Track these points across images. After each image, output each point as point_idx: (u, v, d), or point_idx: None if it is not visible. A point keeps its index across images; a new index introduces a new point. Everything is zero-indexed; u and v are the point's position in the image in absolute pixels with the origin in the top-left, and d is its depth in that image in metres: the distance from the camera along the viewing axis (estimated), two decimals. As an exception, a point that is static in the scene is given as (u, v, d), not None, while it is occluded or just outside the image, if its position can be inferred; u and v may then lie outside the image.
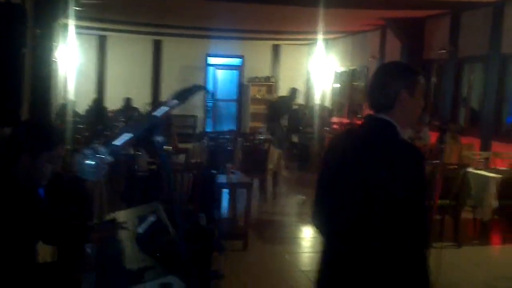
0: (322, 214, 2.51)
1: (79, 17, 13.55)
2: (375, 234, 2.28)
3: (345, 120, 16.03)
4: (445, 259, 6.86)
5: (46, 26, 10.01)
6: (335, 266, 2.43)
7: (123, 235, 2.51)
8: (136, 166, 6.53)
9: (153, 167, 6.42)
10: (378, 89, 2.45)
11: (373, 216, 2.27)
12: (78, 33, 16.65)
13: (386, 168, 2.26)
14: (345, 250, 2.38)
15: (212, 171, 6.95)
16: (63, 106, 13.76)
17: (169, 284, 1.86)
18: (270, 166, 9.67)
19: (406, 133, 8.73)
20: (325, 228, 2.51)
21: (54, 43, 11.38)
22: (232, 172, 7.19)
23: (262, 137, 10.47)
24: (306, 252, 7.15)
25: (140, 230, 2.36)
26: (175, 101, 1.88)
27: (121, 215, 3.00)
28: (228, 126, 18.67)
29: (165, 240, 2.25)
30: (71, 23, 14.21)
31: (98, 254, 2.35)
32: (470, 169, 7.77)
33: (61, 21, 14.41)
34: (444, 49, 11.69)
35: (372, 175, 2.29)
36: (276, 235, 7.66)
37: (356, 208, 2.33)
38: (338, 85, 17.86)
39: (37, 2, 9.96)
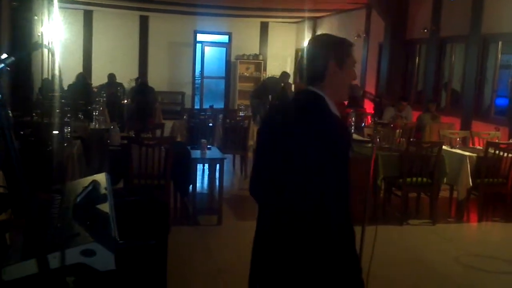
0: (257, 184, 2.53)
1: (64, -10, 13.42)
2: (297, 203, 2.31)
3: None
4: (419, 235, 6.96)
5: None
6: (266, 235, 2.46)
7: (63, 203, 2.51)
8: (108, 140, 6.51)
9: (125, 141, 6.39)
10: (308, 62, 2.46)
11: (294, 183, 2.32)
12: (63, 8, 16.49)
13: (305, 137, 2.30)
14: (272, 221, 2.40)
15: (187, 146, 6.94)
16: (46, 81, 13.66)
17: (91, 250, 1.86)
18: (251, 142, 9.67)
19: (388, 112, 8.78)
20: (260, 199, 2.53)
21: (35, 17, 11.25)
22: (208, 148, 7.19)
23: (242, 114, 10.44)
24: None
25: (78, 199, 2.36)
26: (12, 58, 1.96)
27: (70, 185, 2.99)
28: (216, 103, 18.62)
29: (96, 209, 2.25)
30: (56, -3, 14.04)
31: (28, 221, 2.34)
32: (446, 148, 7.81)
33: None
34: (426, 29, 11.67)
35: (292, 145, 2.34)
36: (252, 210, 7.67)
37: (280, 176, 2.37)
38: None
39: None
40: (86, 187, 2.46)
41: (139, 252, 2.24)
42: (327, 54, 2.41)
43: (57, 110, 8.74)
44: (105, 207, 2.31)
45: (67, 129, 6.34)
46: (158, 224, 3.21)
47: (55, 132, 6.32)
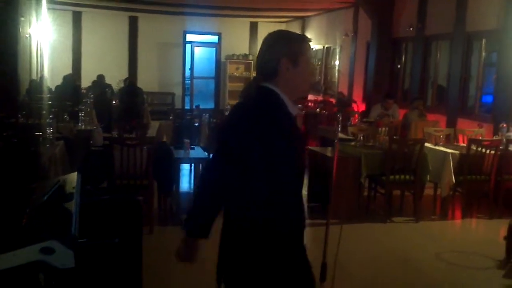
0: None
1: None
2: (242, 203, 2.34)
3: (320, 98, 16.07)
4: (402, 233, 7.01)
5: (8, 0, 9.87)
6: (223, 230, 2.50)
7: (32, 202, 2.53)
8: (91, 141, 6.53)
9: (107, 142, 6.41)
10: (261, 59, 2.46)
11: (238, 182, 2.34)
12: (52, 9, 16.50)
13: (248, 136, 2.31)
14: (226, 218, 2.45)
15: (170, 146, 6.97)
16: (34, 83, 13.64)
17: (50, 248, 1.88)
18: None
19: (375, 111, 8.83)
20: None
21: (22, 18, 11.24)
22: (192, 148, 7.21)
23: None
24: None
25: (45, 197, 2.38)
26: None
27: (43, 184, 3.01)
28: (206, 103, 18.66)
29: (60, 207, 2.27)
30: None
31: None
32: (428, 145, 7.86)
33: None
34: (412, 27, 11.74)
35: (236, 142, 2.34)
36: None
37: (229, 175, 2.38)
38: (316, 63, 17.85)
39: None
40: (53, 186, 2.48)
41: (104, 250, 2.26)
42: (280, 51, 2.40)
43: (43, 112, 8.76)
44: (70, 205, 2.33)
45: (50, 130, 6.35)
46: (129, 222, 3.24)
47: (38, 133, 6.35)
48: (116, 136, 6.87)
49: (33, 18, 14.89)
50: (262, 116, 2.32)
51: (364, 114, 11.86)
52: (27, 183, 4.86)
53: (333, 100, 14.52)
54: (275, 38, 2.48)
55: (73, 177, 2.93)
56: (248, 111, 2.38)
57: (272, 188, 2.31)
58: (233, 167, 2.32)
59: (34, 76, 15.07)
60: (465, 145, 7.92)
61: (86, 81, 16.15)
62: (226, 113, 10.53)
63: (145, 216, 6.45)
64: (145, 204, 6.67)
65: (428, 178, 7.63)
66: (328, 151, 7.59)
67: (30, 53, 14.66)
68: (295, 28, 17.92)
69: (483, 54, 10.08)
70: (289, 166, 2.35)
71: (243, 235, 2.36)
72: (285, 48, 2.41)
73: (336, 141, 4.35)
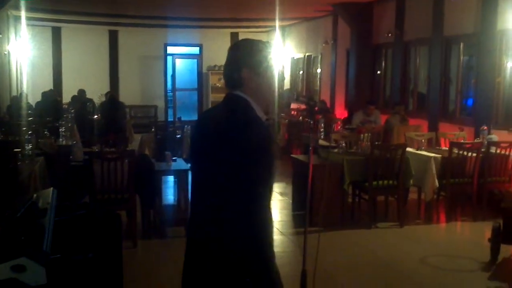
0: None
1: (31, 8, 13.35)
2: (215, 209, 2.28)
3: (302, 106, 16.10)
4: (387, 238, 7.00)
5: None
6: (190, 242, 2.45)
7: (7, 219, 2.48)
8: (71, 156, 6.46)
9: (87, 157, 6.36)
10: (225, 68, 2.43)
11: (211, 190, 2.30)
12: (31, 25, 16.44)
13: (221, 143, 2.27)
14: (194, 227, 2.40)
15: (151, 159, 6.92)
16: (15, 99, 13.55)
17: (21, 266, 1.84)
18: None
19: (357, 117, 8.87)
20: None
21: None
22: (174, 160, 7.17)
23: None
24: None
25: (18, 214, 2.34)
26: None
27: (20, 201, 2.97)
28: (189, 115, 18.60)
29: (33, 224, 2.23)
30: (23, 14, 13.97)
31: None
32: (410, 150, 7.88)
33: (11, 13, 14.19)
34: (391, 33, 11.81)
35: (208, 150, 2.31)
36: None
37: (202, 183, 2.35)
38: (298, 72, 17.93)
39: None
40: (26, 202, 2.44)
41: (78, 265, 2.22)
42: (241, 60, 2.37)
43: (23, 128, 8.68)
44: (43, 222, 2.29)
45: (29, 146, 6.28)
46: (108, 236, 3.19)
47: (17, 149, 6.28)
48: (97, 150, 6.81)
49: (12, 35, 14.82)
50: (243, 126, 2.26)
51: (347, 121, 11.88)
52: (7, 199, 4.81)
53: (316, 108, 14.56)
54: (237, 48, 2.45)
55: (49, 193, 2.88)
56: (229, 123, 2.31)
57: (254, 198, 2.24)
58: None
59: (14, 93, 14.97)
60: (447, 148, 7.95)
61: (67, 96, 16.06)
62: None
63: (127, 230, 6.46)
64: (128, 218, 6.65)
65: (411, 183, 7.65)
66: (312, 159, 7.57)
67: (10, 70, 14.57)
68: (275, 37, 17.96)
69: (462, 58, 10.16)
70: (270, 176, 2.30)
71: (214, 249, 2.28)
72: (247, 58, 2.37)
73: (310, 148, 4.32)
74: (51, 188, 2.93)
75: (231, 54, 2.42)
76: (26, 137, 6.67)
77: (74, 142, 6.57)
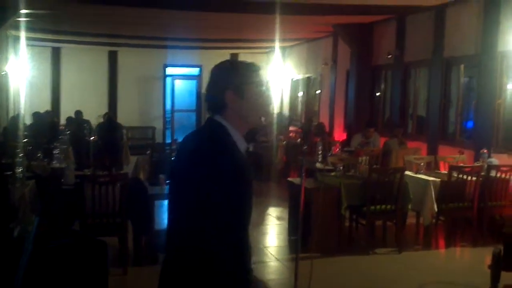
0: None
1: (31, 28, 13.32)
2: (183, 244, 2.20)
3: (301, 129, 16.00)
4: (385, 264, 6.84)
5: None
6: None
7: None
8: (62, 180, 6.33)
9: (78, 180, 6.22)
10: (207, 91, 2.36)
11: (179, 222, 2.25)
12: (31, 45, 16.42)
13: (191, 172, 2.21)
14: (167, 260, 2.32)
15: (144, 182, 6.78)
16: (13, 120, 13.46)
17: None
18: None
19: (356, 140, 8.72)
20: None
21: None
22: (168, 183, 7.01)
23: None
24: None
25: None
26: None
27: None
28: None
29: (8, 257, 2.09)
30: (22, 35, 13.95)
31: None
32: (409, 173, 7.74)
33: (10, 33, 14.17)
34: (391, 55, 11.74)
35: (179, 178, 2.28)
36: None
37: (174, 203, 2.32)
38: (298, 93, 17.86)
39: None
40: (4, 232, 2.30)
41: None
42: (224, 83, 2.29)
43: (17, 150, 8.56)
44: (19, 254, 2.15)
45: (20, 169, 6.15)
46: (93, 265, 3.06)
47: (8, 172, 6.15)
48: (88, 173, 6.67)
49: (11, 55, 14.79)
50: (218, 156, 2.19)
51: (345, 143, 11.75)
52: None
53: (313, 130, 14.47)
54: (219, 70, 2.37)
55: (30, 221, 2.76)
56: (201, 151, 2.24)
57: (225, 235, 2.16)
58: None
59: (12, 114, 14.89)
60: (446, 172, 7.81)
61: (65, 118, 15.96)
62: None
63: (119, 256, 6.30)
64: (120, 244, 6.48)
65: (409, 207, 7.49)
66: (308, 183, 7.44)
67: (7, 90, 14.51)
68: (275, 58, 17.92)
69: (462, 79, 10.07)
70: (239, 206, 2.20)
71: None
72: (229, 79, 2.30)
73: (303, 172, 4.23)
74: (33, 216, 2.79)
75: (214, 75, 2.35)
76: (16, 159, 6.54)
77: (66, 165, 6.43)
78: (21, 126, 11.96)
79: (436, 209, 7.39)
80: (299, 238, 4.29)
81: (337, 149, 10.55)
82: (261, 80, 2.35)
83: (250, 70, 2.34)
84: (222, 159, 2.17)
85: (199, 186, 2.15)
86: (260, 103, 2.35)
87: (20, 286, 1.90)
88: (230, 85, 2.28)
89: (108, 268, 4.09)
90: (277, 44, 16.03)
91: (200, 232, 2.14)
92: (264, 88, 2.34)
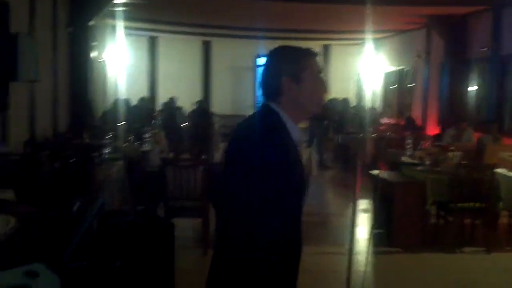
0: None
1: (128, 17, 13.80)
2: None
3: (393, 121, 15.65)
4: (472, 265, 6.55)
5: (79, 26, 10.20)
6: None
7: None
8: (149, 162, 6.52)
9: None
10: (263, 78, 2.28)
11: (225, 210, 2.16)
12: (128, 34, 16.98)
13: (236, 152, 2.16)
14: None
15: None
16: (113, 105, 14.05)
17: (34, 272, 1.77)
18: (301, 165, 9.46)
19: (448, 134, 8.40)
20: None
21: (94, 43, 11.58)
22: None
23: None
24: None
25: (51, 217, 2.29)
26: None
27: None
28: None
29: (63, 229, 2.17)
30: (119, 24, 14.47)
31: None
32: (502, 171, 7.35)
33: (108, 22, 14.75)
34: (487, 47, 11.20)
35: (228, 157, 2.22)
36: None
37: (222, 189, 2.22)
38: (390, 86, 17.48)
39: (70, 1, 10.18)
40: (65, 207, 2.39)
41: (103, 273, 2.13)
42: (280, 69, 2.21)
43: (110, 133, 8.92)
44: (74, 228, 2.22)
45: (107, 150, 6.40)
46: (159, 244, 3.12)
47: (95, 153, 6.41)
48: (171, 157, 6.84)
49: (108, 43, 15.40)
50: (267, 145, 2.11)
51: (437, 138, 11.36)
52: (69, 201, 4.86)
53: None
54: (274, 56, 2.30)
55: (93, 199, 2.85)
56: (250, 139, 2.17)
57: (271, 235, 2.08)
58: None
59: (109, 100, 15.51)
60: (542, 170, 7.36)
61: (160, 104, 16.53)
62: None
63: (201, 238, 6.43)
64: (203, 225, 6.59)
65: (501, 206, 7.12)
66: (392, 176, 7.26)
67: (105, 77, 15.13)
68: (367, 50, 17.59)
69: None
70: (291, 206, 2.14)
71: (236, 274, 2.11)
72: (285, 65, 2.22)
73: (358, 165, 4.11)
74: (98, 195, 2.89)
75: (270, 61, 2.28)
76: (102, 141, 6.81)
77: (152, 148, 6.62)
78: (119, 111, 12.44)
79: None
80: (352, 236, 4.17)
81: (428, 144, 10.23)
82: (318, 66, 2.27)
83: (307, 55, 2.26)
84: (270, 151, 2.08)
85: (242, 177, 2.07)
86: (317, 90, 2.26)
87: (66, 261, 1.96)
88: (286, 71, 2.21)
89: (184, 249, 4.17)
90: (369, 36, 15.77)
91: (234, 220, 2.08)
92: (321, 74, 2.26)
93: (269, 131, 2.13)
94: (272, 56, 2.30)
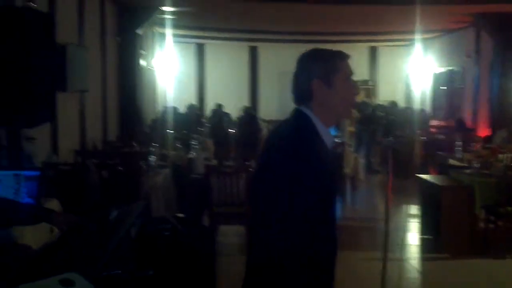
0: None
1: (175, 25, 14.03)
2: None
3: (443, 123, 15.36)
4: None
5: (127, 34, 10.44)
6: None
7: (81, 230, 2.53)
8: (194, 169, 6.62)
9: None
10: (293, 81, 2.27)
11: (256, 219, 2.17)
12: (176, 42, 17.25)
13: (268, 157, 2.16)
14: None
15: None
16: (162, 112, 14.34)
17: (70, 280, 1.84)
18: (347, 170, 9.43)
19: (499, 136, 8.20)
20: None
21: (142, 52, 11.83)
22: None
23: (336, 141, 10.22)
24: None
25: (89, 226, 2.37)
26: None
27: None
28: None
29: (100, 238, 2.25)
30: (167, 31, 14.73)
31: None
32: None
33: (156, 30, 15.05)
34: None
35: (261, 161, 2.22)
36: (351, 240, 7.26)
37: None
38: (440, 87, 17.17)
39: (118, 10, 10.44)
40: (102, 215, 2.47)
41: (138, 283, 2.19)
42: (310, 72, 2.20)
43: (159, 141, 9.09)
44: (110, 235, 2.29)
45: (154, 158, 6.52)
46: (200, 252, 3.17)
47: (142, 161, 6.55)
48: (214, 164, 6.92)
49: (157, 51, 15.70)
50: (298, 150, 2.10)
51: (488, 140, 11.11)
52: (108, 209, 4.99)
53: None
54: (305, 58, 2.28)
55: (136, 206, 2.92)
56: (281, 144, 2.18)
57: (300, 248, 2.05)
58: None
59: (159, 107, 15.82)
60: None
61: (208, 111, 16.71)
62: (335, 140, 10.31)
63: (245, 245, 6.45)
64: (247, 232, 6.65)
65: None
66: (439, 180, 7.15)
67: (154, 84, 15.42)
68: (415, 51, 17.33)
69: None
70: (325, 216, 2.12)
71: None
72: (316, 68, 2.20)
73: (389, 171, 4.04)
74: (140, 202, 2.97)
75: (301, 64, 2.27)
76: (149, 149, 6.94)
77: (196, 155, 6.71)
78: (167, 118, 12.67)
79: None
80: (386, 241, 4.11)
81: (478, 146, 10.02)
82: (350, 69, 2.25)
83: (338, 58, 2.24)
84: (296, 156, 2.07)
85: (271, 185, 2.06)
86: (348, 93, 2.25)
87: (99, 270, 2.02)
88: (317, 74, 2.19)
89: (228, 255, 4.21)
90: (417, 36, 15.54)
91: (267, 241, 2.06)
92: (352, 77, 2.26)
93: (299, 138, 2.14)
94: (303, 59, 2.29)
